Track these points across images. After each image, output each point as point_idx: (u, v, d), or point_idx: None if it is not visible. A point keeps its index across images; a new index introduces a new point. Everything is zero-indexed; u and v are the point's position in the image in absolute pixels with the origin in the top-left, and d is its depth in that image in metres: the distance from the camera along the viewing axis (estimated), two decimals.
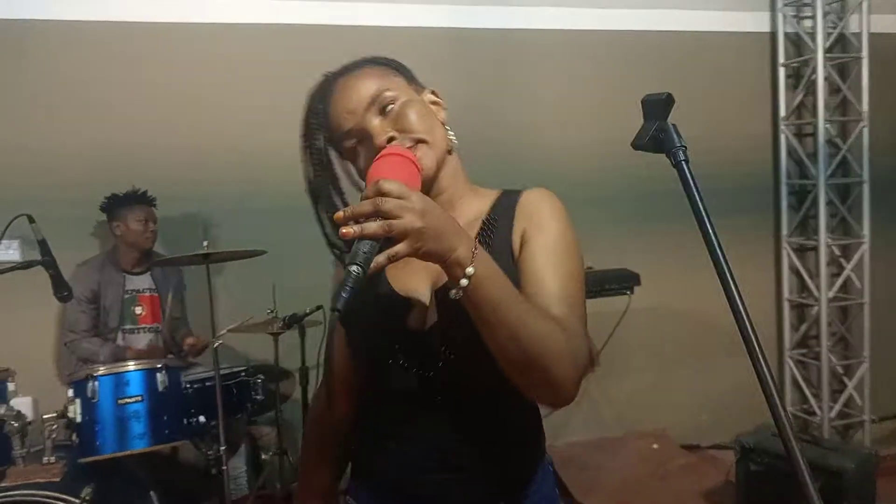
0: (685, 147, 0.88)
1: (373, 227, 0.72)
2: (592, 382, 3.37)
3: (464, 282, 0.76)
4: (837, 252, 3.31)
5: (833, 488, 2.21)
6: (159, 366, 1.90)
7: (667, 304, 3.41)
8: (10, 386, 1.82)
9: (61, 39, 2.74)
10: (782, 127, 3.37)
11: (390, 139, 0.89)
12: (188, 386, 2.05)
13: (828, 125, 3.25)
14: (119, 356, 2.33)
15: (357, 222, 0.73)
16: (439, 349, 0.88)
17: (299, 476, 1.15)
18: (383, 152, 0.85)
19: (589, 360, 0.87)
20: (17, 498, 1.62)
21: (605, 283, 2.68)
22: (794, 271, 3.39)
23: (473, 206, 0.97)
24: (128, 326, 2.41)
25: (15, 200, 2.10)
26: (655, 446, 3.27)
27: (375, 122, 0.91)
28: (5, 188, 2.51)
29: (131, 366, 1.88)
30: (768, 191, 3.47)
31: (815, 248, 3.27)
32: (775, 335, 3.48)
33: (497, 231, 0.94)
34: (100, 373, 1.82)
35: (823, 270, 3.19)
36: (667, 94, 0.88)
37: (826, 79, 3.20)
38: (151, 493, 1.94)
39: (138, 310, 2.40)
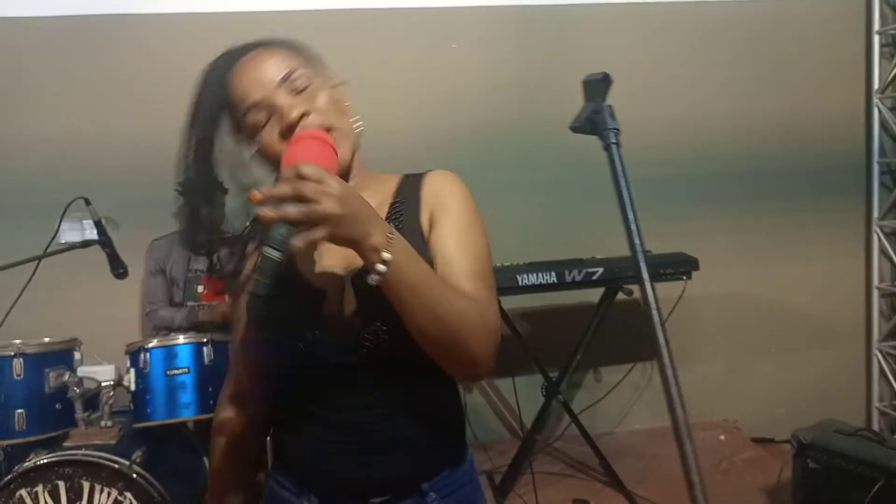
0: (617, 130, 0.86)
1: (292, 210, 0.73)
2: (657, 370, 3.27)
3: (381, 267, 0.78)
4: None
5: (894, 488, 2.05)
6: (205, 340, 2.04)
7: (742, 291, 3.25)
8: (76, 355, 2.03)
9: (113, 34, 2.91)
10: (876, 100, 3.09)
11: (303, 115, 0.88)
12: None
13: None
14: (192, 321, 2.52)
15: (274, 205, 0.74)
16: (361, 335, 0.90)
17: (209, 482, 1.14)
18: (300, 134, 0.85)
19: (499, 332, 0.91)
20: (78, 457, 1.81)
21: (661, 267, 2.59)
22: (887, 257, 3.12)
23: (379, 191, 0.97)
24: (189, 303, 2.60)
25: (77, 183, 2.30)
26: (722, 438, 3.14)
27: (286, 98, 0.89)
28: (69, 172, 2.75)
29: (180, 339, 2.04)
30: (860, 170, 3.20)
31: None
32: (864, 325, 3.22)
33: (405, 214, 0.95)
34: (151, 345, 1.99)
35: None
36: (603, 73, 0.85)
37: None
38: (203, 458, 2.11)
39: (200, 288, 2.57)
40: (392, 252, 0.78)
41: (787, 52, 3.17)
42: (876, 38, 3.07)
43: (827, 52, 3.17)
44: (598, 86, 0.83)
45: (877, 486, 2.08)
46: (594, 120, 0.82)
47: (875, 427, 3.15)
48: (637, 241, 0.82)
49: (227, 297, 2.70)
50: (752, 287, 3.24)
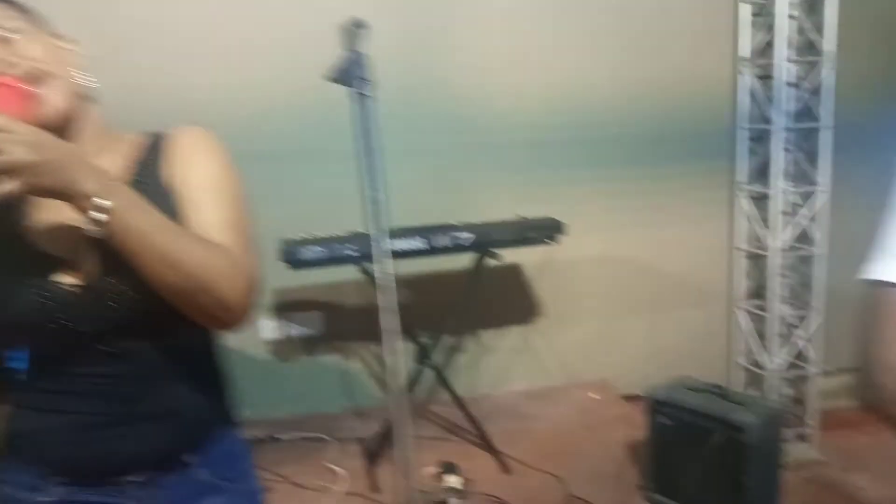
0: (369, 80, 0.81)
1: None
2: (536, 331, 3.34)
3: (98, 216, 0.74)
4: (796, 201, 3.17)
5: (735, 441, 2.17)
6: None
7: (616, 254, 3.33)
8: None
9: None
10: (742, 67, 3.19)
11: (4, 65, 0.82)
12: None
13: (790, 65, 3.07)
14: None
15: None
16: (106, 300, 0.85)
17: None
18: None
19: (259, 283, 0.92)
20: None
21: (527, 231, 2.60)
22: (750, 219, 3.27)
23: (122, 151, 0.93)
24: None
25: None
26: (595, 396, 3.25)
27: None
28: None
29: None
30: (726, 135, 3.31)
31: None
32: (727, 285, 3.38)
33: (151, 171, 0.92)
34: None
35: (776, 219, 3.06)
36: (355, 19, 0.81)
37: (791, 16, 3.00)
38: None
39: None
40: (112, 199, 0.74)
41: (658, 19, 3.21)
42: (742, 7, 3.15)
43: (697, 20, 3.23)
44: (349, 34, 0.77)
45: (718, 438, 2.20)
46: (344, 69, 0.77)
47: (736, 380, 3.33)
48: (377, 194, 0.78)
49: None
50: (625, 250, 3.33)
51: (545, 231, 2.60)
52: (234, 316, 0.88)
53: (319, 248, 2.35)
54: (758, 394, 3.16)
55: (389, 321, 0.75)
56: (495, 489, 2.53)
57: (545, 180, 3.15)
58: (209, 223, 0.89)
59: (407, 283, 3.10)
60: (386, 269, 0.85)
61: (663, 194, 3.31)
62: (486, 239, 2.54)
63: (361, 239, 2.45)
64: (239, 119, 2.73)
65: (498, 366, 3.29)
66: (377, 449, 2.70)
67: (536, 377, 3.33)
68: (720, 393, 2.32)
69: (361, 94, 0.77)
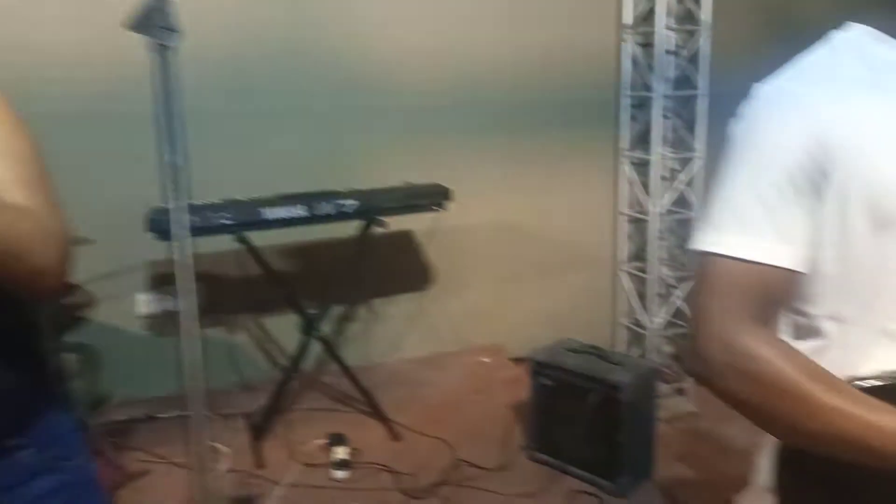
0: (175, 30, 0.74)
1: None
2: (428, 299, 3.34)
3: None
4: (675, 166, 3.29)
5: (611, 399, 2.24)
6: None
7: (506, 220, 3.36)
8: None
9: None
10: (625, 35, 3.25)
11: None
12: None
13: (669, 34, 3.15)
14: None
15: None
16: None
17: None
18: None
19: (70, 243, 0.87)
20: None
21: (414, 198, 2.57)
22: (632, 185, 3.37)
23: None
24: None
25: None
26: (486, 360, 3.29)
27: None
28: None
29: None
30: (611, 103, 3.38)
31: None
32: (611, 248, 3.49)
33: None
34: None
35: (656, 184, 3.16)
36: None
37: None
38: None
39: None
40: None
41: None
42: None
43: None
44: None
45: (595, 397, 2.27)
46: (149, 18, 0.69)
47: (621, 340, 3.47)
48: (176, 159, 0.71)
49: None
50: (514, 215, 3.36)
51: (432, 197, 2.58)
52: (49, 281, 0.84)
53: (191, 217, 2.21)
54: (637, 353, 3.30)
55: (188, 304, 0.69)
56: (384, 457, 2.52)
57: (433, 146, 3.12)
58: (6, 183, 0.83)
59: (292, 252, 3.02)
60: (184, 247, 0.79)
61: (551, 160, 3.35)
62: (371, 206, 2.49)
63: (238, 207, 2.35)
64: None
65: (390, 334, 3.27)
66: (263, 423, 2.63)
67: (429, 344, 3.33)
68: (598, 354, 2.40)
69: (163, 46, 0.69)
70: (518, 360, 3.28)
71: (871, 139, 0.80)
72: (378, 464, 2.47)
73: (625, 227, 3.43)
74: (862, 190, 0.79)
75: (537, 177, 3.34)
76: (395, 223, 3.00)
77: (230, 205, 2.35)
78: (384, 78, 3.02)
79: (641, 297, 3.36)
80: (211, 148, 2.76)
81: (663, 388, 3.18)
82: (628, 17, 3.23)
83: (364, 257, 2.74)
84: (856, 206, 0.80)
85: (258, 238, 2.50)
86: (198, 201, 2.35)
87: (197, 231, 2.23)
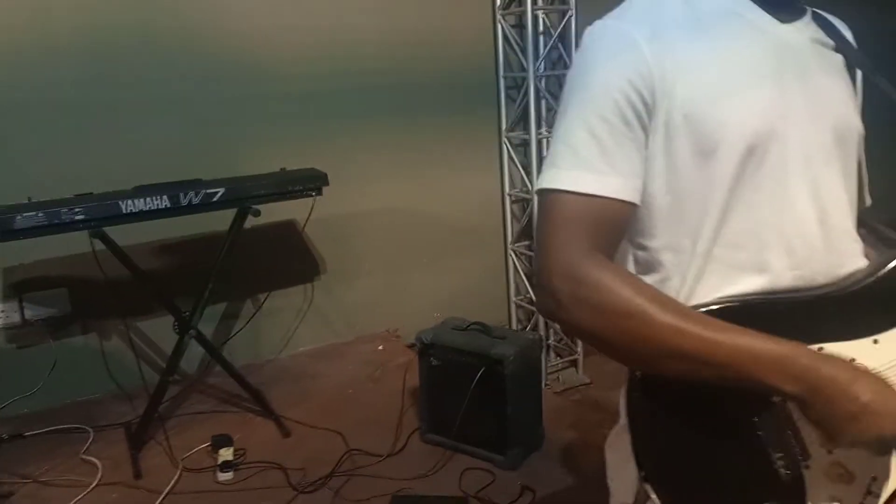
0: None
1: None
2: (319, 290, 3.25)
3: None
4: None
5: (495, 374, 2.25)
6: None
7: (396, 205, 3.32)
8: None
9: None
10: (499, 16, 3.27)
11: None
12: None
13: (540, 14, 3.20)
14: None
15: None
16: None
17: None
18: None
19: None
20: None
21: (290, 184, 2.48)
22: (515, 165, 3.41)
23: None
24: None
25: None
26: (381, 348, 3.25)
27: None
28: None
29: None
30: (492, 85, 3.40)
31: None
32: (502, 229, 3.52)
33: None
34: None
35: (535, 164, 3.20)
36: None
37: None
38: None
39: None
40: None
41: None
42: None
43: None
44: None
45: (480, 372, 2.27)
46: None
47: (514, 318, 3.50)
48: None
49: None
50: (404, 201, 3.32)
51: (308, 183, 2.50)
52: None
53: (38, 215, 2.06)
54: (520, 328, 3.35)
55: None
56: (273, 455, 2.43)
57: (314, 133, 3.04)
58: None
59: (165, 249, 2.86)
60: None
61: (438, 144, 3.34)
62: (242, 194, 2.38)
63: (92, 201, 2.19)
64: None
65: (280, 329, 3.17)
66: (141, 432, 2.48)
67: (322, 336, 3.25)
68: (482, 330, 2.40)
69: None
70: (413, 346, 3.26)
71: (692, 75, 0.84)
72: (266, 462, 2.38)
73: (512, 208, 3.46)
74: (685, 122, 0.83)
75: (424, 161, 3.32)
76: (278, 213, 2.91)
77: (83, 199, 2.19)
78: (262, 64, 2.90)
79: (529, 276, 3.41)
80: (62, 142, 2.59)
81: (557, 361, 3.25)
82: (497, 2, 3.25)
83: (238, 248, 2.63)
84: (680, 137, 0.84)
85: (124, 236, 2.35)
86: (45, 198, 2.20)
87: (46, 229, 2.08)
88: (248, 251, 2.89)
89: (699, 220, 0.86)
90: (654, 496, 0.84)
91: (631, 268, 0.93)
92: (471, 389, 2.28)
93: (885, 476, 0.85)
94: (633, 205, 0.86)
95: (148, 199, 2.23)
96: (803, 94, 0.88)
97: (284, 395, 2.81)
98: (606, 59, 0.85)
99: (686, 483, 0.86)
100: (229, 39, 2.84)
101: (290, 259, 3.18)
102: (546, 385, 3.01)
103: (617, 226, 0.86)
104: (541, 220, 0.86)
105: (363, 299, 3.32)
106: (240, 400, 2.75)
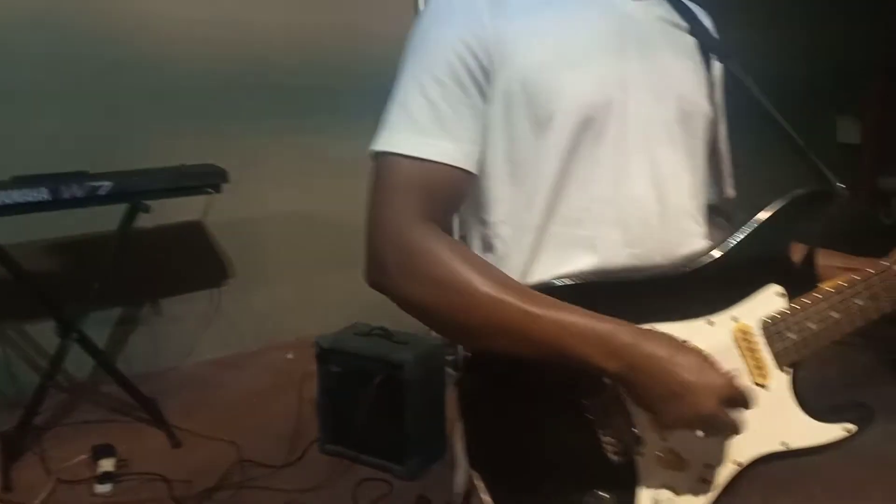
0: None
1: None
2: (225, 295, 3.12)
3: None
4: None
5: (395, 379, 2.18)
6: None
7: (303, 209, 3.22)
8: None
9: None
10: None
11: None
12: None
13: None
14: None
15: None
16: None
17: None
18: None
19: None
20: None
21: (182, 179, 2.36)
22: None
23: None
24: None
25: None
26: (290, 356, 3.13)
27: None
28: None
29: None
30: None
31: None
32: None
33: None
34: None
35: None
36: None
37: None
38: None
39: None
40: None
41: None
42: None
43: None
44: None
45: (379, 378, 2.19)
46: None
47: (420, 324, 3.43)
48: None
49: None
50: (315, 203, 3.23)
51: (205, 179, 2.39)
52: None
53: None
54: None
55: None
56: (160, 465, 2.28)
57: (224, 131, 2.92)
58: None
59: (53, 248, 2.69)
60: None
61: (347, 145, 3.23)
62: (131, 188, 2.25)
63: None
64: None
65: (182, 336, 3.02)
66: (17, 441, 2.30)
67: (228, 344, 3.12)
68: (385, 335, 2.32)
69: None
70: None
71: (531, 43, 0.81)
72: (150, 473, 2.23)
73: None
74: (522, 91, 0.80)
75: (335, 162, 3.22)
76: (182, 212, 2.78)
77: None
78: (164, 56, 2.78)
79: None
80: None
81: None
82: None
83: (138, 250, 2.49)
84: (518, 106, 0.81)
85: (4, 232, 2.19)
86: None
87: None
88: (148, 253, 2.75)
89: (535, 194, 0.82)
90: (479, 482, 0.79)
91: (476, 245, 0.89)
92: (370, 396, 2.19)
93: (718, 463, 0.82)
94: (468, 173, 0.82)
95: (26, 190, 2.08)
96: (646, 69, 0.85)
97: (182, 404, 2.66)
98: (444, 21, 0.82)
99: (513, 469, 0.82)
100: (131, 27, 2.70)
101: (196, 262, 3.04)
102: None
103: (451, 194, 0.82)
104: (372, 185, 0.82)
105: (273, 306, 3.21)
106: (132, 409, 2.60)
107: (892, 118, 4.08)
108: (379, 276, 0.80)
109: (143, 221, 2.54)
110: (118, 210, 2.36)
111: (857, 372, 3.04)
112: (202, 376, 2.96)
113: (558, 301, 0.76)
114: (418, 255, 0.77)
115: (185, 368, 3.01)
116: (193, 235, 2.97)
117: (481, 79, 0.80)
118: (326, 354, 2.31)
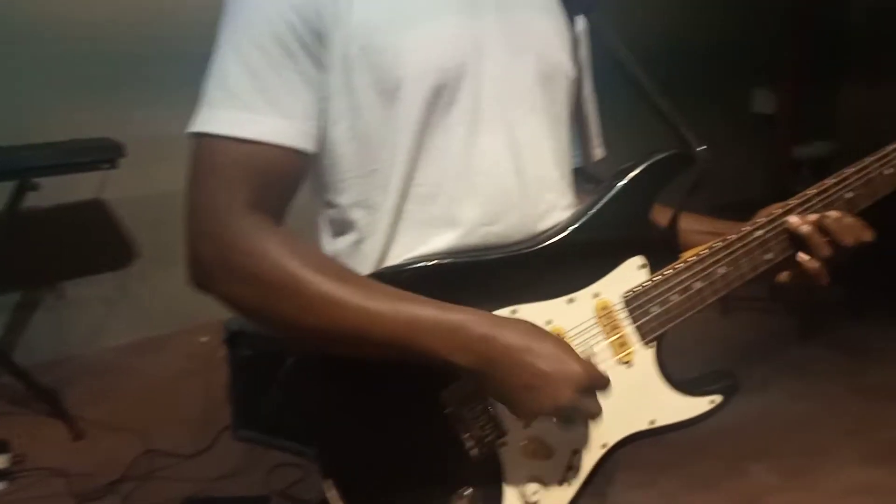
0: None
1: None
2: (135, 277, 2.97)
3: None
4: None
5: (307, 360, 2.10)
6: None
7: None
8: None
9: None
10: None
11: None
12: None
13: None
14: None
15: None
16: None
17: None
18: None
19: None
20: None
21: (73, 154, 2.20)
22: None
23: None
24: None
25: None
26: (205, 339, 3.01)
27: None
28: None
29: None
30: None
31: None
32: None
33: None
34: None
35: None
36: None
37: None
38: None
39: None
40: None
41: None
42: None
43: None
44: None
45: (291, 360, 2.11)
46: None
47: None
48: None
49: None
50: None
51: (100, 153, 2.23)
52: None
53: None
54: None
55: None
56: (60, 459, 2.17)
57: (124, 103, 2.73)
58: None
59: None
60: None
61: None
62: (15, 165, 2.09)
63: None
64: None
65: (87, 320, 2.86)
66: None
67: (138, 328, 2.97)
68: None
69: None
70: None
71: (370, 3, 0.71)
72: (48, 468, 2.11)
73: None
74: (362, 55, 0.71)
75: None
76: (82, 190, 2.61)
77: None
78: (58, 20, 2.57)
79: None
80: None
81: None
82: None
83: (34, 230, 2.33)
84: (360, 73, 0.71)
85: None
86: None
87: None
88: (46, 234, 2.58)
89: (388, 171, 0.74)
90: (332, 492, 0.74)
91: (325, 231, 0.81)
92: (282, 379, 2.11)
93: (585, 446, 0.79)
94: (302, 152, 0.72)
95: None
96: (501, 27, 0.76)
97: (85, 393, 2.53)
98: None
99: (369, 475, 0.76)
100: None
101: (100, 243, 2.87)
102: None
103: (283, 178, 0.72)
104: (190, 173, 0.73)
105: (185, 287, 3.05)
106: (30, 401, 2.45)
107: (805, 89, 4.20)
108: (199, 275, 0.72)
109: (37, 200, 2.38)
110: (4, 189, 2.19)
111: (767, 336, 3.16)
112: (109, 363, 2.82)
113: (403, 292, 0.70)
114: (241, 251, 0.68)
115: (92, 355, 2.86)
116: (95, 214, 2.80)
117: (311, 42, 0.70)
118: (236, 337, 2.21)
